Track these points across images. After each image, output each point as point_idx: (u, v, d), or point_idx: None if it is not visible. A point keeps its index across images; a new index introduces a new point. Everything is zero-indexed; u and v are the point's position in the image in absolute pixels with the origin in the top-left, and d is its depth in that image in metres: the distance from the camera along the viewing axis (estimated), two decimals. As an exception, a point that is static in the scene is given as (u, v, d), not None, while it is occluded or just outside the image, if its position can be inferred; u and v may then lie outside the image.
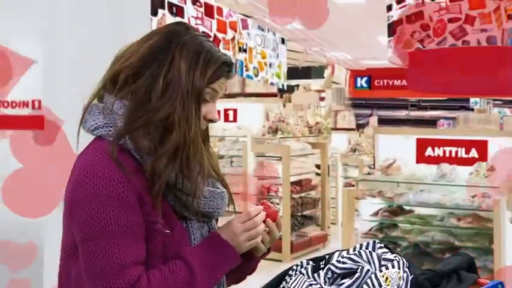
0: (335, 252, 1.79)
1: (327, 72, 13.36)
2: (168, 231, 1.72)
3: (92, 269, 1.64)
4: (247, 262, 1.89)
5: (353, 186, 8.04)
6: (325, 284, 1.70)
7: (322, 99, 13.53)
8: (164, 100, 1.71)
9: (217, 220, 1.93)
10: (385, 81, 16.98)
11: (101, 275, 1.63)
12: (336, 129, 14.16)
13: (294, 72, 12.30)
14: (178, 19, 5.19)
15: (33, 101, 3.75)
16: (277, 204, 9.42)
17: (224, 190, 1.89)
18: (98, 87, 1.82)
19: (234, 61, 6.57)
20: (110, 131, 1.74)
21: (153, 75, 1.73)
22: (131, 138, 1.71)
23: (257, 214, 1.82)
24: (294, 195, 9.78)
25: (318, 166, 10.78)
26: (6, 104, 3.74)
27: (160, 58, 1.74)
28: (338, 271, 1.70)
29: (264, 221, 1.84)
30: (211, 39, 5.83)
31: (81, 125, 1.81)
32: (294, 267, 1.83)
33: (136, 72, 1.75)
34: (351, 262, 1.69)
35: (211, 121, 1.84)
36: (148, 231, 1.70)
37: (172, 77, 1.73)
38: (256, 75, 7.25)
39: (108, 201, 1.64)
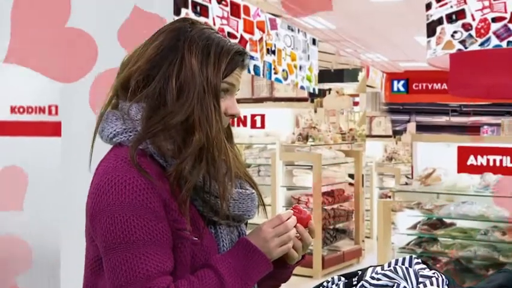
0: (369, 267, 1.79)
1: (361, 75, 13.32)
2: (196, 238, 1.73)
3: (117, 281, 1.65)
4: (280, 270, 1.89)
5: (389, 197, 8.01)
6: (358, 302, 1.70)
7: (356, 104, 13.48)
8: (180, 102, 1.73)
9: (246, 224, 1.94)
10: (424, 84, 16.92)
11: (126, 287, 1.65)
12: (370, 136, 14.11)
13: (325, 75, 12.28)
14: (202, 19, 5.22)
15: (49, 107, 3.79)
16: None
17: (253, 191, 1.89)
18: (109, 95, 1.84)
19: (257, 60, 6.59)
20: (130, 136, 1.76)
21: (164, 77, 1.75)
22: (153, 143, 1.72)
23: (288, 218, 1.81)
24: (325, 207, 9.75)
25: (351, 176, 10.74)
26: (22, 110, 3.78)
27: (169, 58, 1.76)
28: (372, 288, 1.69)
29: (295, 226, 1.83)
30: (237, 40, 5.86)
31: (97, 134, 1.82)
32: (325, 284, 1.83)
33: (147, 76, 1.76)
34: (386, 279, 1.69)
35: (233, 116, 1.85)
36: (176, 239, 1.71)
37: (185, 77, 1.74)
38: (286, 79, 7.25)
39: (131, 208, 1.65)
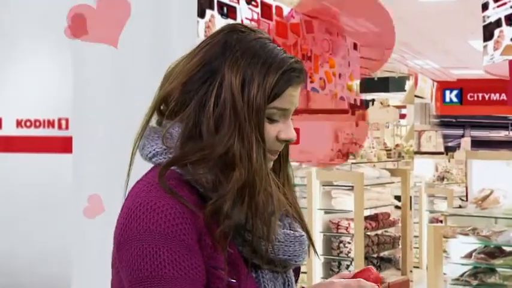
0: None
1: (408, 84, 13.28)
2: (234, 280, 1.68)
3: None
4: None
5: (441, 222, 7.96)
6: None
7: (403, 116, 13.45)
8: (221, 135, 1.68)
9: (295, 272, 1.88)
10: (480, 94, 16.84)
11: None
12: (419, 152, 14.04)
13: (368, 84, 12.26)
14: (229, 21, 5.24)
15: (59, 120, 3.82)
16: (349, 243, 9.37)
17: (303, 234, 1.83)
18: (150, 108, 1.80)
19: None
20: (170, 158, 1.73)
21: (200, 104, 1.71)
22: (189, 171, 1.69)
23: None
24: (368, 233, 9.70)
25: (397, 198, 10.69)
26: (29, 124, 3.81)
27: (208, 81, 1.71)
28: (421, 325, 1.68)
29: None
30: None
31: (137, 151, 1.80)
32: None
33: (183, 99, 1.73)
34: (438, 315, 1.67)
35: (286, 141, 1.78)
36: (209, 277, 1.66)
37: (224, 103, 1.68)
38: (323, 88, 7.26)
39: (163, 240, 1.62)
